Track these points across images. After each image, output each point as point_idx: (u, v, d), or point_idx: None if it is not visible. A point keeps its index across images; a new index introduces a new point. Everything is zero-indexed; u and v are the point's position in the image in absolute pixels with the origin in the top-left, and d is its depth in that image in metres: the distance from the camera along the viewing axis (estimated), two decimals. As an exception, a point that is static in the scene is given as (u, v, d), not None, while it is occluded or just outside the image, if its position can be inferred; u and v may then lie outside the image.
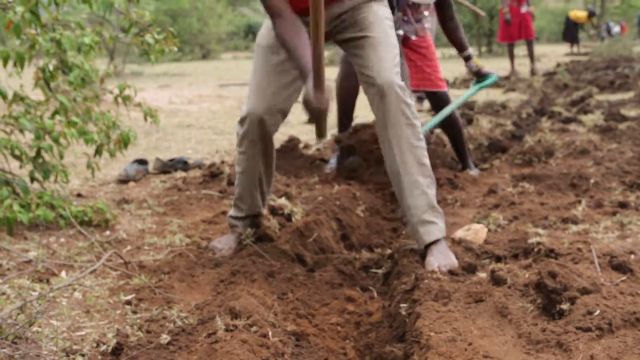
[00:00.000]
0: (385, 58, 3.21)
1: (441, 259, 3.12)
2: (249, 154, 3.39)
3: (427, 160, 3.27)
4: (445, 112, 5.23)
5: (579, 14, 24.25)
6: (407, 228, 3.34)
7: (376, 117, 3.25)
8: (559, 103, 9.60)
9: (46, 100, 4.08)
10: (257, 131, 3.31)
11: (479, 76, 5.33)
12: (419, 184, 3.22)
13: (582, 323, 2.37)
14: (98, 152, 4.25)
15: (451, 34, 5.24)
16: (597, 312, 2.41)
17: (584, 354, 2.15)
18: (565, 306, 2.50)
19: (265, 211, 3.72)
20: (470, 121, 7.68)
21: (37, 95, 4.30)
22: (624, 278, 2.75)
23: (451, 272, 3.04)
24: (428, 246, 3.19)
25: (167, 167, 5.46)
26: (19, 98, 3.95)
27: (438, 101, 5.39)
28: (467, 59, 5.22)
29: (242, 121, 3.34)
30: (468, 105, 8.94)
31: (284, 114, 3.36)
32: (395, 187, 3.30)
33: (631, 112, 7.98)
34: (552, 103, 9.65)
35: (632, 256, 3.04)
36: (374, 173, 5.04)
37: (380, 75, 3.16)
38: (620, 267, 2.84)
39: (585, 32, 27.72)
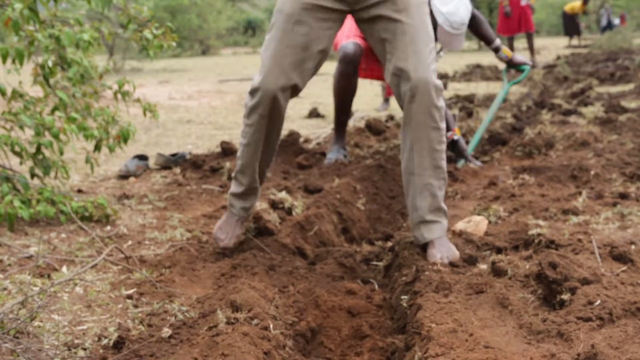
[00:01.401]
0: (423, 51, 3.04)
1: (443, 250, 3.12)
2: (256, 128, 3.22)
3: (444, 163, 3.20)
4: (487, 119, 5.33)
5: (573, 4, 24.02)
6: (409, 222, 3.32)
7: (404, 113, 3.13)
8: (559, 95, 9.60)
9: (45, 96, 4.08)
10: (269, 106, 3.14)
11: (511, 65, 5.48)
12: (431, 187, 3.17)
13: (582, 313, 2.38)
14: (97, 147, 4.26)
15: (477, 30, 5.30)
16: (598, 302, 2.42)
17: (585, 343, 2.16)
18: (565, 296, 2.50)
19: (259, 192, 3.56)
20: (470, 114, 7.68)
21: (36, 91, 4.30)
22: (624, 268, 2.75)
23: (452, 264, 3.04)
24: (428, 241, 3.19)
25: (169, 162, 5.46)
26: (18, 95, 3.95)
27: None
28: (496, 50, 5.45)
29: (253, 92, 3.16)
30: (468, 98, 8.94)
31: (297, 90, 3.18)
32: (406, 184, 3.24)
33: (631, 104, 7.98)
34: (552, 95, 9.65)
35: (633, 246, 3.04)
36: None
37: (417, 71, 3.01)
38: (621, 258, 2.84)
39: (585, 18, 27.48)
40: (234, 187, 3.46)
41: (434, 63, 3.10)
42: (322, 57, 3.18)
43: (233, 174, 3.47)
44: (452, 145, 5.33)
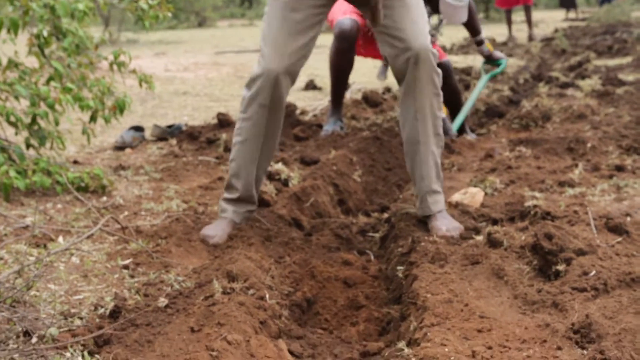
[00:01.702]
0: (419, 22, 3.09)
1: (447, 223, 3.14)
2: (255, 120, 3.13)
3: (442, 131, 3.26)
4: (465, 110, 5.32)
5: None
6: (413, 192, 3.32)
7: (405, 82, 3.14)
8: (557, 68, 9.57)
9: (40, 66, 4.05)
10: (271, 92, 3.06)
11: (489, 60, 5.49)
12: (435, 155, 3.22)
13: (577, 283, 2.39)
14: (93, 118, 4.24)
15: (467, 19, 5.28)
16: (593, 272, 2.43)
17: (580, 313, 2.17)
18: (561, 267, 2.51)
19: (256, 200, 3.36)
20: (467, 87, 7.66)
21: (31, 62, 4.27)
22: (619, 239, 2.76)
23: (454, 238, 3.05)
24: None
25: (165, 134, 5.44)
26: (13, 65, 3.92)
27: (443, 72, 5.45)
28: (479, 43, 5.46)
29: (253, 81, 3.09)
30: (465, 71, 8.91)
31: (295, 77, 3.16)
32: (411, 154, 3.23)
33: (629, 77, 7.96)
34: (549, 68, 9.62)
35: (628, 218, 3.05)
36: None
37: (416, 40, 3.05)
38: (616, 229, 2.85)
39: None
40: (226, 193, 3.30)
41: (429, 32, 3.15)
42: (314, 43, 3.18)
43: (225, 182, 3.32)
44: None
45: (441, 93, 3.19)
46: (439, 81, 3.16)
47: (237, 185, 3.24)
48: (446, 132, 5.28)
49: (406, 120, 3.21)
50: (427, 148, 3.19)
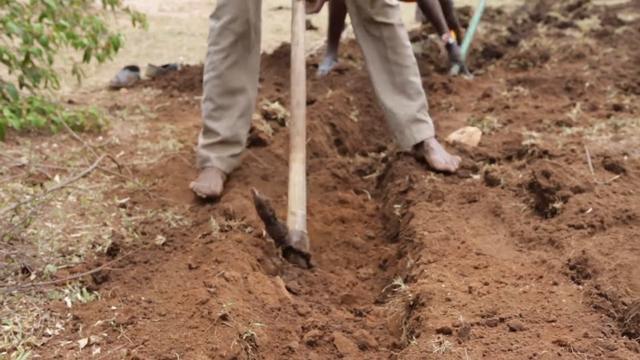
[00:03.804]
0: None
1: (446, 156, 3.11)
2: (230, 50, 2.89)
3: (415, 60, 3.19)
4: (472, 30, 5.29)
5: None
6: (391, 128, 3.24)
7: (355, 16, 3.07)
8: (556, 8, 9.46)
9: (32, 3, 3.98)
10: (243, 19, 2.85)
11: None
12: (414, 85, 3.16)
13: (574, 221, 2.39)
14: (86, 57, 4.18)
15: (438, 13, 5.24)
16: (590, 210, 2.43)
17: (576, 250, 2.18)
18: (558, 205, 2.51)
19: (245, 142, 3.14)
20: (465, 26, 7.57)
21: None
22: (616, 177, 2.76)
23: (454, 170, 3.04)
24: (420, 145, 3.17)
25: (160, 73, 5.39)
26: (5, 1, 3.85)
27: (443, 7, 5.43)
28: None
29: (219, 10, 2.87)
30: (463, 11, 8.81)
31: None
32: (383, 85, 3.14)
33: (628, 17, 7.88)
34: (548, 8, 9.51)
35: (625, 157, 3.05)
36: None
37: None
38: (613, 167, 2.85)
39: None
40: (205, 139, 3.04)
41: None
42: None
43: (202, 127, 3.06)
44: (447, 48, 5.31)
45: (404, 25, 3.11)
46: (399, 12, 3.08)
47: (215, 127, 3.00)
48: (456, 57, 5.27)
49: (372, 52, 3.10)
50: (402, 78, 3.11)
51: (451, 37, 5.24)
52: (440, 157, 3.09)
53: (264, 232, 2.50)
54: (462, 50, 5.48)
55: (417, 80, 3.17)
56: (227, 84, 2.95)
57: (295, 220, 2.51)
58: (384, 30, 3.05)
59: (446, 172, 3.04)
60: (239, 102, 3.00)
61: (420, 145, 3.17)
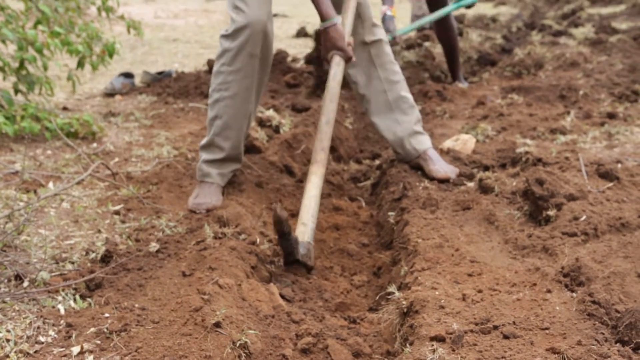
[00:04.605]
0: None
1: (444, 165, 3.14)
2: (245, 72, 2.90)
3: (403, 76, 3.26)
4: (422, 21, 5.23)
5: None
6: (391, 144, 3.29)
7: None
8: (550, 16, 9.50)
9: (27, 9, 3.99)
10: (262, 41, 2.86)
11: None
12: (407, 99, 3.21)
13: (568, 228, 2.40)
14: (80, 64, 4.18)
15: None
16: (583, 217, 2.43)
17: (569, 257, 2.18)
18: (551, 212, 2.52)
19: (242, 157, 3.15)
20: (460, 34, 7.60)
21: (18, 7, 4.19)
22: (610, 185, 2.76)
23: (441, 181, 3.05)
24: (419, 156, 3.19)
25: (155, 80, 5.39)
26: (-1, 8, 3.86)
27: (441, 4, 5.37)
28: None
29: (237, 32, 2.85)
30: (458, 19, 8.84)
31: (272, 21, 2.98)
32: (378, 106, 3.21)
33: (622, 25, 7.91)
34: (542, 16, 9.55)
35: (619, 165, 3.05)
36: None
37: None
38: (607, 175, 2.85)
39: None
40: (207, 154, 3.05)
41: None
42: None
43: (205, 140, 3.05)
44: (382, 20, 5.23)
45: (382, 38, 3.16)
46: (374, 28, 3.14)
47: (223, 145, 3.01)
48: (388, 29, 5.14)
49: (363, 73, 3.18)
50: (394, 94, 3.17)
51: (389, 11, 5.12)
52: (440, 167, 3.12)
53: (258, 240, 2.50)
54: (405, 29, 5.34)
55: (408, 95, 3.23)
56: (241, 106, 2.96)
57: (305, 231, 2.54)
58: (371, 48, 3.14)
59: (446, 181, 3.06)
60: (246, 122, 3.03)
61: (419, 156, 3.20)
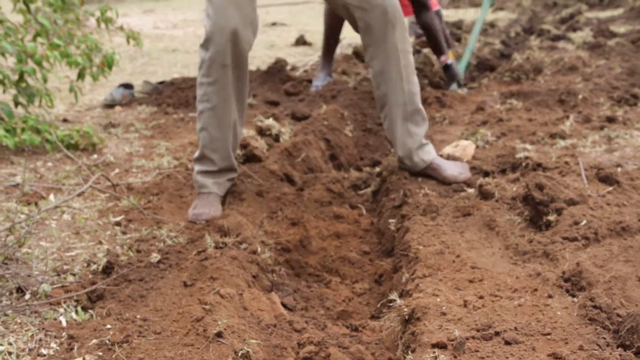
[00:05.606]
0: None
1: (455, 168, 3.17)
2: (222, 84, 2.83)
3: (417, 87, 3.24)
4: (473, 40, 5.32)
5: None
6: (399, 154, 3.28)
7: (375, 41, 3.10)
8: (548, 21, 9.51)
9: (26, 22, 4.00)
10: (231, 50, 2.76)
11: None
12: (421, 112, 3.22)
13: (568, 233, 2.40)
14: (81, 75, 4.20)
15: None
16: (584, 222, 2.43)
17: (570, 262, 2.18)
18: (552, 217, 2.52)
19: (237, 166, 3.16)
20: (458, 40, 7.61)
21: (17, 20, 4.20)
22: (610, 189, 2.77)
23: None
24: (427, 167, 3.21)
25: (156, 91, 5.41)
26: (-2, 21, 3.87)
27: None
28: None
29: (207, 42, 2.76)
30: (456, 25, 8.85)
31: (255, 28, 2.84)
32: (394, 113, 3.18)
33: (620, 29, 7.92)
34: (541, 21, 9.56)
35: (619, 168, 3.06)
36: None
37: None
38: (607, 179, 2.86)
39: None
40: (200, 166, 3.02)
41: None
42: None
43: (197, 153, 3.02)
44: (445, 69, 5.34)
45: (410, 49, 3.14)
46: (406, 34, 3.11)
47: (212, 157, 2.98)
48: (454, 77, 5.31)
49: (386, 82, 3.15)
50: (413, 107, 3.17)
51: (450, 59, 5.28)
52: (452, 171, 3.14)
53: (259, 249, 2.50)
54: (462, 65, 5.51)
55: (422, 107, 3.23)
56: (223, 117, 2.91)
57: None
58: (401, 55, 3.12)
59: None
60: (231, 132, 2.97)
61: (427, 166, 3.22)
